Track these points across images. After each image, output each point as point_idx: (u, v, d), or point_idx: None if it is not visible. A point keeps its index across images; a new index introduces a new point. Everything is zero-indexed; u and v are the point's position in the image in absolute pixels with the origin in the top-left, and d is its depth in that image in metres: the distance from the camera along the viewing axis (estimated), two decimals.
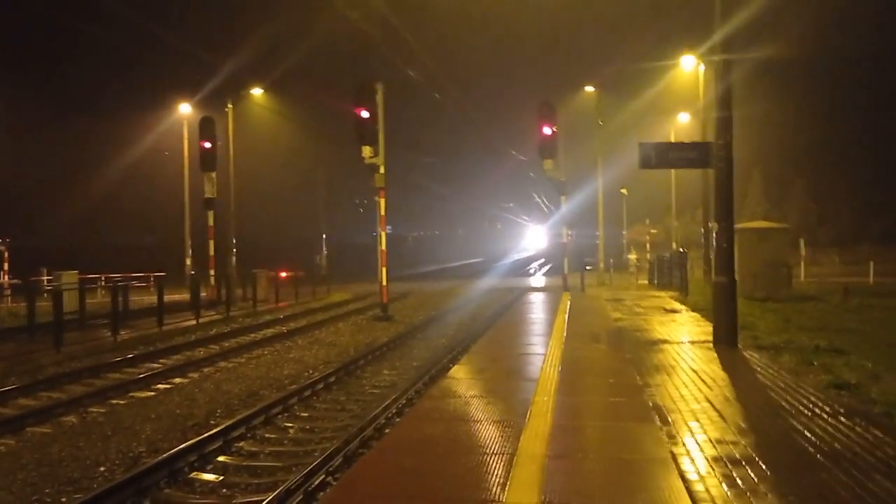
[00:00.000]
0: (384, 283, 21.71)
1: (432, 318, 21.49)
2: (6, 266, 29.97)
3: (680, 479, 4.98)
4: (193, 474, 7.63)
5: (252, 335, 18.72)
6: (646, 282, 33.02)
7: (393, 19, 22.89)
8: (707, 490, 4.79)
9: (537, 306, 20.45)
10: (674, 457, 5.52)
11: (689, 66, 30.51)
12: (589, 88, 34.21)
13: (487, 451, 5.83)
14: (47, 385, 12.14)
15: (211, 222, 27.59)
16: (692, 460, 5.43)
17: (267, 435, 9.11)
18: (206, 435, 8.36)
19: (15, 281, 28.98)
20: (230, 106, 34.04)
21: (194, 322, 20.44)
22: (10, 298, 26.64)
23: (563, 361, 10.08)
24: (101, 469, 7.73)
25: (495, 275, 48.13)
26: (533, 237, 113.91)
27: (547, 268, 59.82)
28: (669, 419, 6.71)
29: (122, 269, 34.04)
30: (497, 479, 5.03)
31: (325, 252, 44.58)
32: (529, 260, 78.25)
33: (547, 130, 27.05)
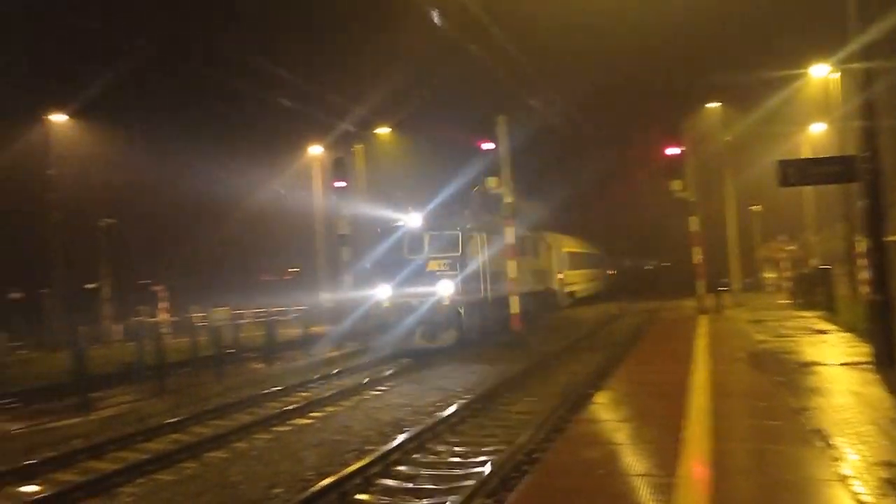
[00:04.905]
0: (516, 310, 21.97)
1: (566, 346, 21.49)
2: (166, 305, 32.48)
3: (853, 501, 4.96)
4: (359, 495, 8.16)
5: (394, 365, 19.38)
6: (786, 301, 31.58)
7: (514, 52, 23.42)
8: None
9: (675, 329, 20.11)
10: (842, 479, 5.47)
11: (820, 76, 29.23)
12: (712, 104, 33.42)
13: (648, 473, 5.98)
14: (215, 414, 13.16)
15: (345, 257, 28.87)
16: (864, 482, 5.37)
17: (422, 459, 9.54)
18: (367, 460, 8.90)
19: (174, 318, 31.35)
20: (359, 146, 35.64)
21: (337, 353, 21.44)
22: (171, 336, 28.85)
23: (712, 385, 9.99)
24: (277, 491, 8.39)
25: None
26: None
27: None
28: (832, 442, 6.60)
29: (262, 303, 35.97)
30: (663, 501, 5.18)
31: None
32: None
33: (672, 151, 26.68)
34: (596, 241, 50.76)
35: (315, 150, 37.46)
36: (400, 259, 20.41)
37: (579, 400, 12.51)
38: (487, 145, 24.47)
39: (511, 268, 22.41)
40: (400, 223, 21.17)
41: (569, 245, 39.16)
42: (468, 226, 21.56)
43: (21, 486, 9.27)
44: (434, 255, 20.36)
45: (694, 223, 27.10)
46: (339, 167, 28.91)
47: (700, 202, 27.71)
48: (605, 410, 8.96)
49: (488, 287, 21.74)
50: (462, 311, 20.07)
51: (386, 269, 20.65)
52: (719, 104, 32.69)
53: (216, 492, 8.41)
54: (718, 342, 15.81)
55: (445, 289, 19.70)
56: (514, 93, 24.66)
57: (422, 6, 19.11)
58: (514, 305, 22.24)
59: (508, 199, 22.50)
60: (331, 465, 9.26)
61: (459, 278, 20.07)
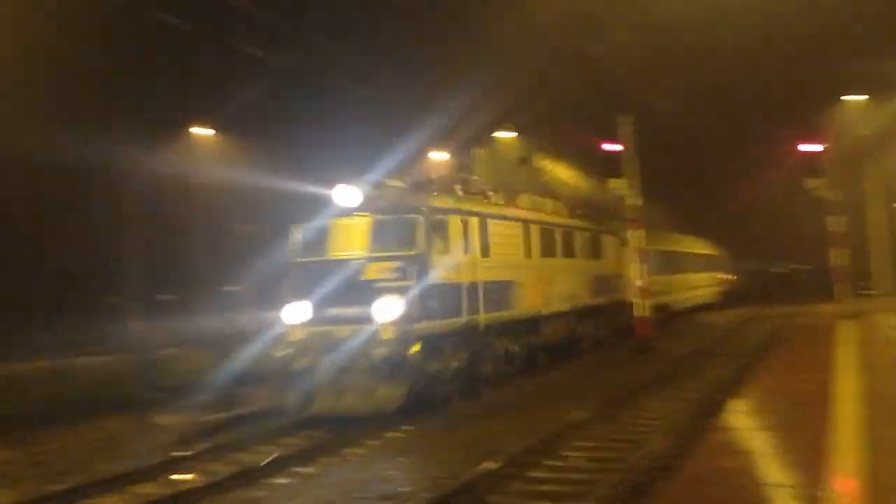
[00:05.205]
0: (645, 313, 21.49)
1: (695, 352, 20.86)
2: None
3: None
4: (491, 496, 8.30)
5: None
6: None
7: (637, 52, 23.00)
8: None
9: (813, 335, 19.12)
10: None
11: None
12: (852, 97, 31.42)
13: (791, 484, 5.79)
14: None
15: None
16: None
17: (552, 463, 9.56)
18: (500, 463, 9.02)
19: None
20: (480, 150, 36.00)
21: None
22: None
23: (860, 394, 9.47)
24: (406, 490, 8.63)
25: None
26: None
27: None
28: None
29: None
30: None
31: None
32: None
33: (809, 147, 25.39)
34: (718, 242, 47.40)
35: (436, 156, 38.16)
36: (322, 263, 12.60)
37: (713, 407, 12.16)
38: (611, 146, 24.12)
39: (633, 272, 22.02)
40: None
41: (657, 242, 29.39)
42: (439, 206, 13.08)
43: (175, 475, 9.98)
44: (378, 256, 12.27)
45: (834, 223, 25.65)
46: (460, 171, 29.29)
47: (841, 201, 26.22)
48: (742, 418, 8.68)
49: (480, 306, 13.51)
50: (416, 350, 11.75)
51: (299, 279, 12.70)
52: (863, 97, 30.66)
53: (358, 484, 8.79)
54: (863, 349, 14.89)
55: (386, 312, 11.65)
56: (637, 91, 24.14)
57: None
58: (640, 309, 21.82)
59: (635, 202, 22.15)
60: (463, 467, 9.46)
61: (416, 292, 11.84)
